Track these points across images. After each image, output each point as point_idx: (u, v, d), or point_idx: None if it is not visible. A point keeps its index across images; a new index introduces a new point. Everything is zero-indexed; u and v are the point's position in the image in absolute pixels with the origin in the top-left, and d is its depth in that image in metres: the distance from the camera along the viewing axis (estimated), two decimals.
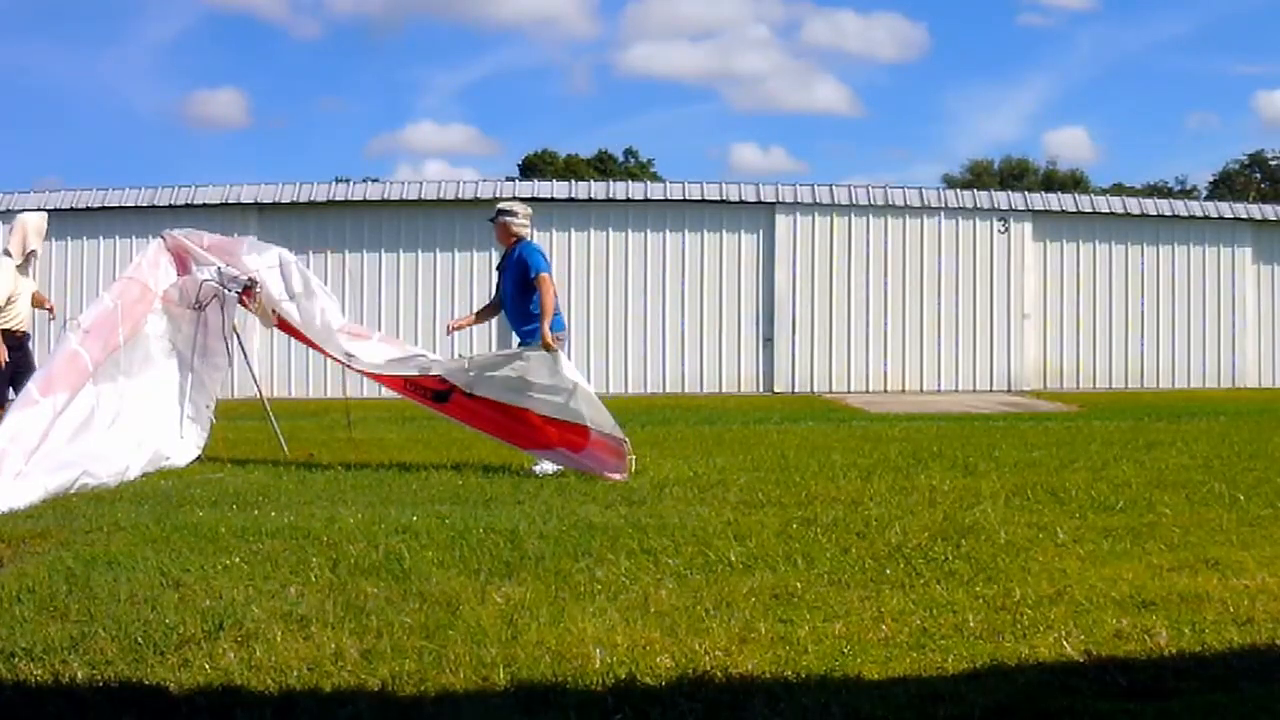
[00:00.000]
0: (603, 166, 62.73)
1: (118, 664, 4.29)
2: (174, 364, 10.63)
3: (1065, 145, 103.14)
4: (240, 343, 11.39)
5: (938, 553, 6.06)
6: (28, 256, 10.71)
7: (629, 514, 7.31)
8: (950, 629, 4.69)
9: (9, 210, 23.39)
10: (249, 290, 10.66)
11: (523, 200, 10.28)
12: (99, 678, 4.15)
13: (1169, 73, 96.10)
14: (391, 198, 24.31)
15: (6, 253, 10.66)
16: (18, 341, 10.67)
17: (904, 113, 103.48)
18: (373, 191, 24.86)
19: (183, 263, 10.86)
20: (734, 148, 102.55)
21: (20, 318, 10.75)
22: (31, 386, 9.04)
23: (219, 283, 10.65)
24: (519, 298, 9.86)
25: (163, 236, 11.16)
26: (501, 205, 10.25)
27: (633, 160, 67.36)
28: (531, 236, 10.18)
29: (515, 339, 10.24)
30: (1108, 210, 25.21)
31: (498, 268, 10.31)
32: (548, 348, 9.50)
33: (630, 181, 31.68)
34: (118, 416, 9.75)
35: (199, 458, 10.56)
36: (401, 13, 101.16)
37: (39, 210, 10.82)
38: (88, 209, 23.50)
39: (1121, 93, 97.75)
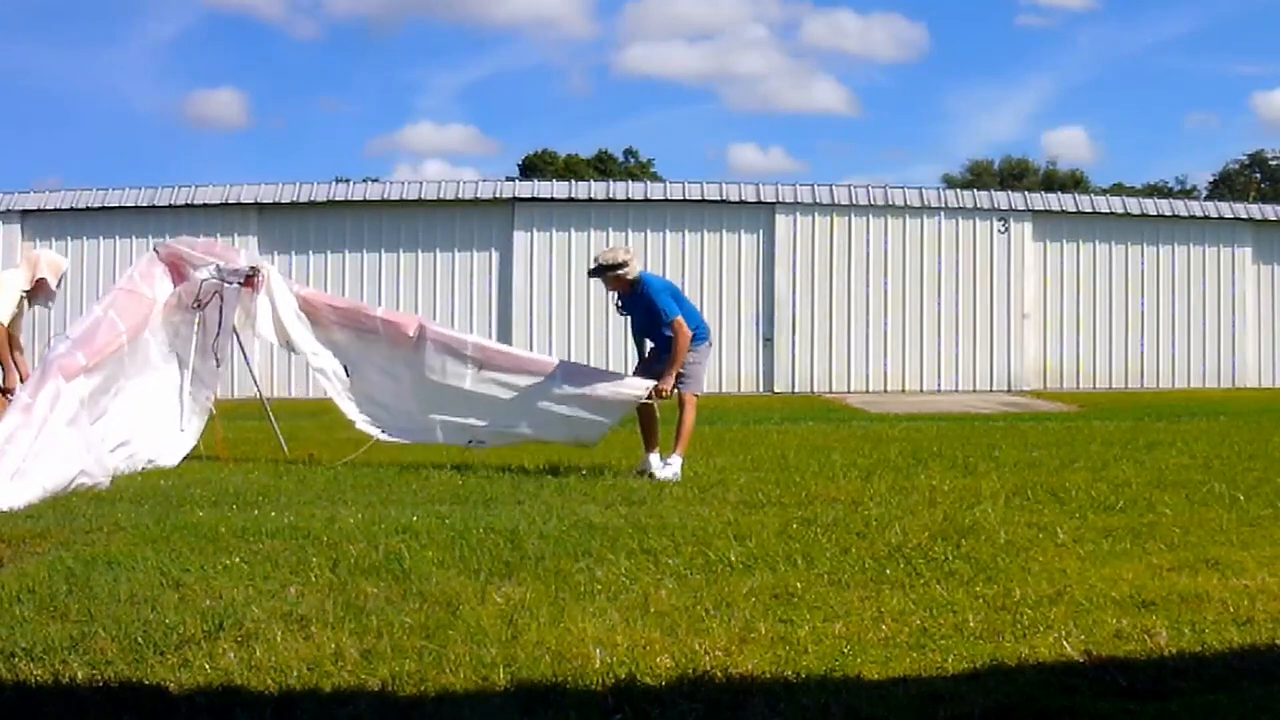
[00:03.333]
0: (603, 166, 62.72)
1: (118, 664, 4.29)
2: (172, 366, 10.63)
3: (1064, 145, 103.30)
4: (240, 343, 11.39)
5: (938, 553, 6.06)
6: (35, 289, 10.47)
7: (629, 514, 7.31)
8: (950, 629, 4.69)
9: (9, 210, 23.45)
10: (251, 279, 10.69)
11: (617, 249, 9.97)
12: (99, 678, 4.14)
13: (1168, 73, 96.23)
14: (391, 198, 24.32)
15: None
16: None
17: (903, 113, 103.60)
18: (373, 191, 24.87)
19: (178, 271, 10.86)
20: (733, 148, 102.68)
21: None
22: (23, 391, 9.05)
23: (220, 278, 10.68)
24: (657, 328, 9.55)
25: (155, 250, 11.18)
26: (603, 263, 9.68)
27: (633, 160, 67.36)
28: (643, 267, 9.78)
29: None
30: (1108, 210, 25.21)
31: (620, 310, 9.95)
32: (659, 393, 9.41)
33: (630, 181, 31.68)
34: (111, 416, 9.75)
35: (196, 447, 10.58)
36: (400, 13, 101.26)
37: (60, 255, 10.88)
38: (88, 209, 23.50)
39: (1121, 93, 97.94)
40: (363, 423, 10.62)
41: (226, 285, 10.67)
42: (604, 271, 9.63)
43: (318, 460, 10.58)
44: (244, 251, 11.61)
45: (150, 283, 10.67)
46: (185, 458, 10.40)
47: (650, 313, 9.56)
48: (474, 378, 10.27)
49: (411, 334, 10.57)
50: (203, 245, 11.24)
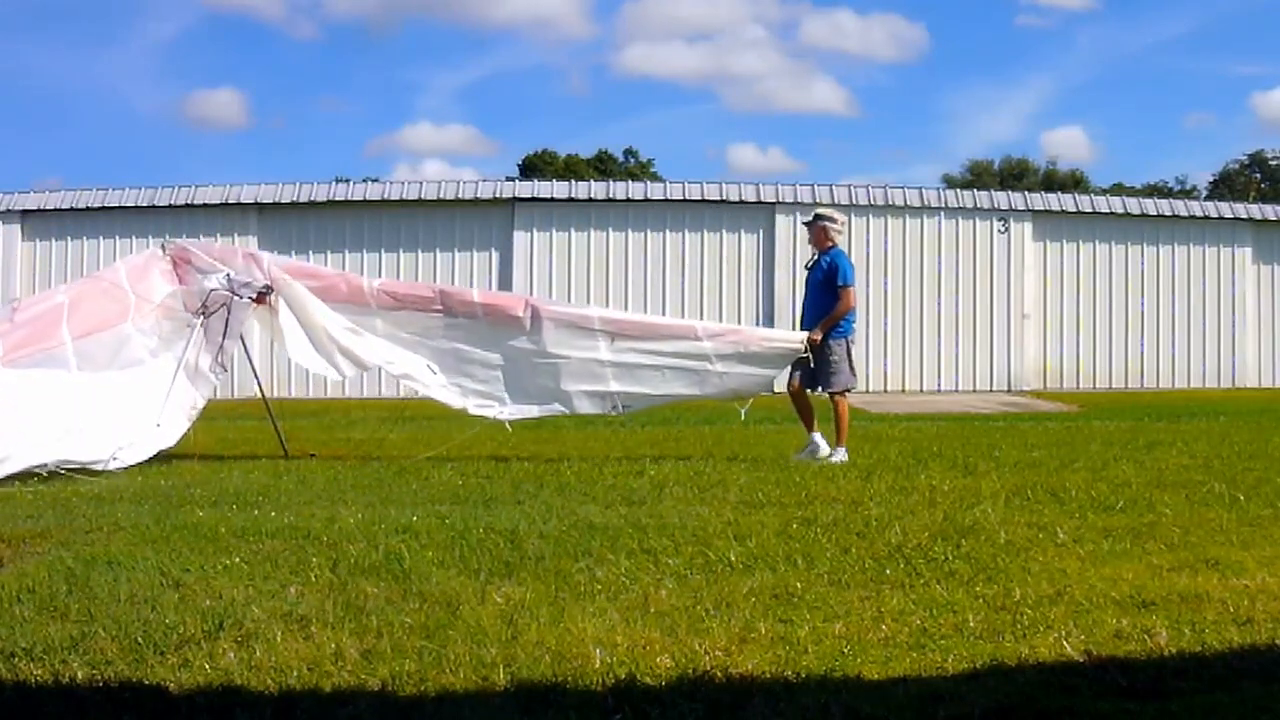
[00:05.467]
0: (603, 166, 62.72)
1: (118, 664, 4.29)
2: (159, 362, 10.40)
3: (1064, 145, 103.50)
4: (242, 342, 11.34)
5: (938, 553, 6.05)
6: None
7: (629, 514, 7.30)
8: (950, 629, 4.68)
9: (9, 210, 23.46)
10: (262, 296, 10.56)
11: (839, 208, 10.84)
12: (99, 678, 4.14)
13: (1167, 73, 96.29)
14: (391, 198, 24.31)
15: None
16: None
17: (903, 113, 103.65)
18: (373, 191, 24.86)
19: (181, 271, 10.75)
20: (732, 148, 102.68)
21: None
22: None
23: (230, 290, 10.53)
24: (822, 299, 10.42)
25: (162, 247, 11.07)
26: (820, 211, 10.81)
27: (633, 160, 67.35)
28: (847, 245, 10.83)
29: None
30: (1108, 210, 25.21)
31: (806, 267, 10.79)
32: (812, 342, 10.20)
33: (630, 181, 31.68)
34: (49, 403, 9.55)
35: (163, 452, 10.26)
36: (400, 13, 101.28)
37: None
38: (88, 209, 23.50)
39: (1120, 93, 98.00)
40: (475, 408, 10.60)
41: (236, 298, 10.52)
42: (820, 219, 10.60)
43: (319, 458, 10.57)
44: (267, 259, 11.25)
45: (141, 280, 10.53)
46: (158, 455, 10.16)
47: (825, 281, 10.41)
48: (609, 348, 10.46)
49: (519, 314, 10.57)
50: (219, 251, 11.02)
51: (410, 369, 10.63)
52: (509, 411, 10.53)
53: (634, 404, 10.62)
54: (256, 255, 11.42)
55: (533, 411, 10.61)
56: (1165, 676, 4.07)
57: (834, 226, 10.53)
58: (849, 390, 10.48)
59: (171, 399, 10.41)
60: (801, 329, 10.62)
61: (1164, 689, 3.95)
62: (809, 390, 10.48)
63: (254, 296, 10.55)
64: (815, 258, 10.62)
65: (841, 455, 10.14)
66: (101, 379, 10.03)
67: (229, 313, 10.53)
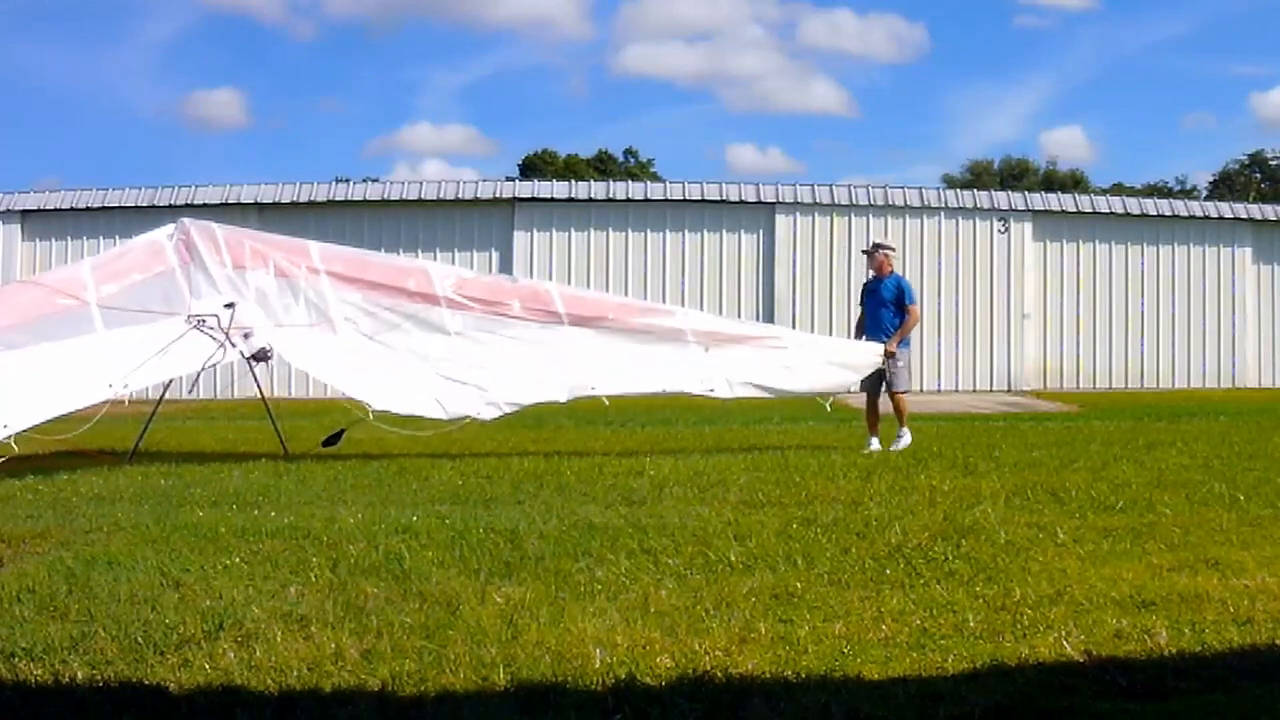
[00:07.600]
0: (603, 166, 62.65)
1: (118, 664, 4.29)
2: (116, 332, 10.10)
3: (1063, 145, 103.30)
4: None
5: (938, 553, 6.06)
6: None
7: (629, 514, 7.31)
8: (950, 629, 4.69)
9: (9, 210, 23.46)
10: (261, 357, 10.40)
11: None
12: (99, 678, 4.15)
13: (1167, 73, 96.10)
14: (391, 198, 24.31)
15: None
16: None
17: (902, 113, 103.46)
18: (373, 191, 24.87)
19: (182, 258, 10.63)
20: (731, 148, 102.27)
21: None
22: None
23: (225, 332, 10.28)
24: (886, 315, 11.62)
25: (176, 225, 10.97)
26: (878, 241, 12.65)
27: (633, 160, 67.29)
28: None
29: None
30: (1108, 210, 25.21)
31: (866, 288, 12.10)
32: (889, 354, 11.36)
33: (630, 181, 31.67)
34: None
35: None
36: (400, 13, 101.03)
37: None
38: (88, 209, 23.51)
39: (1120, 93, 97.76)
40: (565, 394, 11.06)
41: (230, 345, 10.28)
42: (880, 248, 12.02)
43: (320, 454, 10.55)
44: (316, 253, 11.07)
45: (113, 275, 10.37)
46: (157, 455, 10.01)
47: (893, 299, 11.62)
48: (704, 353, 11.24)
49: (610, 318, 11.29)
50: (251, 253, 10.70)
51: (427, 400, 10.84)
52: (606, 389, 11.09)
53: (728, 394, 11.32)
54: (311, 253, 11.21)
55: (631, 390, 11.35)
56: (1165, 676, 4.07)
57: (892, 254, 12.07)
58: (908, 391, 11.88)
59: (118, 369, 9.86)
60: (866, 339, 11.71)
61: (1164, 689, 3.96)
62: (876, 394, 11.66)
63: (248, 355, 10.36)
64: (876, 279, 11.83)
65: (906, 438, 11.32)
66: (50, 349, 9.76)
67: (220, 349, 10.25)
